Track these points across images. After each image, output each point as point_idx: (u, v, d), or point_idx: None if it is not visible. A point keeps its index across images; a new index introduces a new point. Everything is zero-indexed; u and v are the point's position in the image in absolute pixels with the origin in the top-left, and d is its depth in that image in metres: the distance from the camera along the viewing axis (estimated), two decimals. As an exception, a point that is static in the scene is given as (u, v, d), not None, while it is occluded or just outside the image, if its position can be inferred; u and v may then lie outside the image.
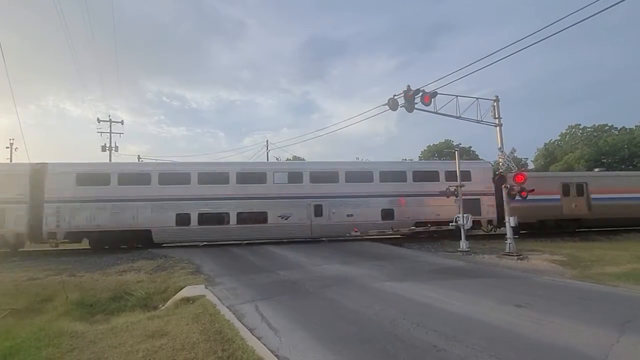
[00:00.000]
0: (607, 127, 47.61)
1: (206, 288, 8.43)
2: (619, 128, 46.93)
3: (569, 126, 50.33)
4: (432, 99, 13.10)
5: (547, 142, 52.42)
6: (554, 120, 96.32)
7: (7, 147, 34.25)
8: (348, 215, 18.25)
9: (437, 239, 18.39)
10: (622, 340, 4.70)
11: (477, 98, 14.13)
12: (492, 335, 4.94)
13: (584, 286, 8.19)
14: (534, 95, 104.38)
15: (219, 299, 7.36)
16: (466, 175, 18.33)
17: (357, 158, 37.86)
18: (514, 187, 13.33)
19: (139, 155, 33.42)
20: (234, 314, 6.26)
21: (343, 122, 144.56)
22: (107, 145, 31.17)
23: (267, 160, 36.97)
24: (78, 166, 17.37)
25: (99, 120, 31.08)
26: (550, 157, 48.18)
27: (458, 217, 14.79)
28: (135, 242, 17.11)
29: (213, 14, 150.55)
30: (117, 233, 16.61)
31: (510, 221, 13.03)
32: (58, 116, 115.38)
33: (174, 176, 17.71)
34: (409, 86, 12.88)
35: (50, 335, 5.54)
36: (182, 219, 17.09)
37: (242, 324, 5.68)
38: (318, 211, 18.11)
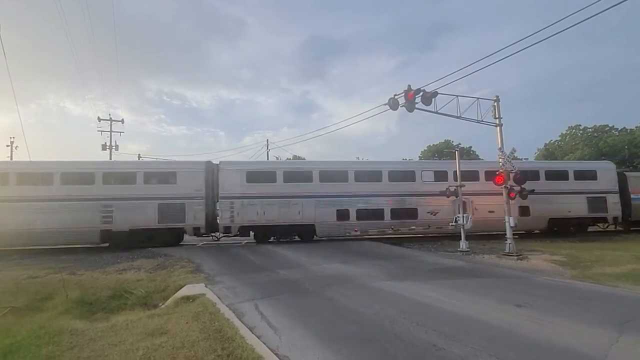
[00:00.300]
0: (608, 128, 47.60)
1: (206, 287, 8.44)
2: (619, 129, 46.94)
3: (568, 127, 50.36)
4: (433, 99, 13.10)
5: (547, 142, 52.51)
6: (555, 121, 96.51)
7: (7, 146, 34.34)
8: (489, 212, 18.93)
9: (438, 238, 18.45)
10: (622, 340, 4.70)
11: (478, 98, 14.16)
12: (491, 334, 4.94)
13: (583, 286, 8.19)
14: (535, 95, 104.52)
15: (218, 297, 7.37)
16: (592, 175, 20.46)
17: (358, 157, 37.89)
18: (514, 188, 13.36)
19: (139, 154, 33.47)
20: (234, 312, 6.27)
21: (343, 122, 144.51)
22: (108, 144, 31.20)
23: (267, 159, 36.96)
24: (247, 164, 19.30)
25: (99, 119, 31.08)
26: (550, 157, 48.13)
27: (458, 217, 14.79)
28: (298, 236, 18.27)
29: (213, 13, 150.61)
30: (284, 227, 17.81)
31: (510, 221, 13.05)
32: (58, 115, 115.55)
33: (333, 174, 18.67)
34: (409, 86, 12.89)
35: (50, 333, 5.54)
36: (342, 214, 18.10)
37: (242, 322, 5.68)
38: (463, 207, 18.70)
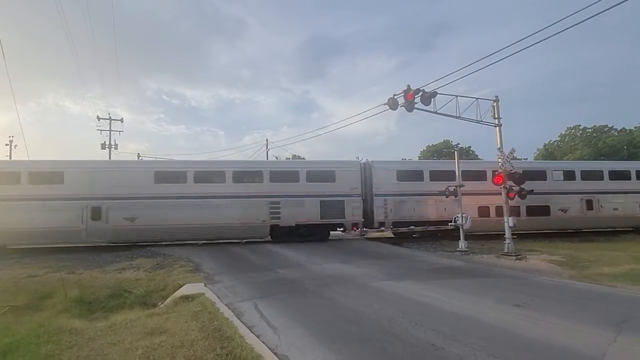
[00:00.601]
0: (607, 128, 47.65)
1: (205, 286, 8.44)
2: (618, 129, 47.01)
3: (567, 127, 50.46)
4: (432, 99, 13.11)
5: (546, 142, 52.57)
6: (556, 121, 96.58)
7: (6, 145, 34.26)
8: (614, 209, 20.42)
9: (436, 238, 18.51)
10: (619, 339, 4.73)
11: (477, 98, 14.17)
12: (490, 334, 4.96)
13: (581, 286, 8.22)
14: (535, 95, 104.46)
15: (218, 296, 7.38)
16: None
17: (357, 157, 37.85)
18: (513, 188, 13.37)
19: (138, 154, 33.44)
20: (233, 311, 6.28)
21: (343, 122, 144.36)
22: (107, 143, 31.16)
23: (267, 159, 36.94)
24: (397, 164, 20.67)
25: (98, 118, 31.06)
26: (549, 157, 48.20)
27: (457, 217, 14.80)
28: (441, 232, 19.00)
29: (213, 13, 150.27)
30: (431, 223, 18.85)
31: (509, 221, 13.06)
32: (58, 114, 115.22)
33: (473, 173, 19.60)
34: (408, 86, 12.89)
35: (50, 332, 5.54)
36: (483, 212, 19.17)
37: (241, 321, 5.69)
38: (589, 205, 20.35)
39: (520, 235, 19.22)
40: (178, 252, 14.38)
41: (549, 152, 49.99)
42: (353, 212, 17.98)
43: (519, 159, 26.07)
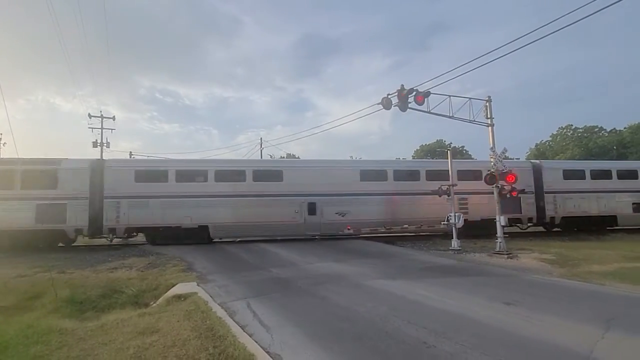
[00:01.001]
0: (597, 129, 48.35)
1: (198, 285, 8.41)
2: (608, 130, 47.72)
3: (559, 127, 51.12)
4: (426, 99, 13.17)
5: (538, 142, 53.20)
6: (547, 121, 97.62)
7: (-5, 142, 33.63)
8: None
9: (429, 237, 18.65)
10: (607, 336, 4.80)
11: (470, 98, 14.26)
12: (481, 332, 5.01)
13: (571, 284, 8.33)
14: (529, 96, 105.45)
15: (210, 296, 7.35)
16: None
17: (351, 156, 37.96)
18: (505, 187, 13.49)
19: (130, 152, 33.11)
20: (226, 311, 6.26)
21: (337, 121, 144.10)
22: (99, 141, 30.79)
23: (261, 158, 36.78)
24: (563, 164, 23.49)
25: (90, 116, 30.66)
26: (541, 157, 48.74)
27: (450, 216, 14.90)
28: (596, 226, 20.94)
29: (208, 11, 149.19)
30: (591, 218, 21.01)
31: (501, 220, 13.18)
32: (48, 111, 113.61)
33: (627, 173, 21.80)
34: (402, 85, 12.94)
35: (39, 332, 5.48)
36: (637, 207, 21.24)
37: (234, 320, 5.67)
38: None
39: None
40: (171, 252, 14.29)
41: (540, 152, 50.61)
42: (528, 207, 19.85)
43: (510, 159, 26.36)
